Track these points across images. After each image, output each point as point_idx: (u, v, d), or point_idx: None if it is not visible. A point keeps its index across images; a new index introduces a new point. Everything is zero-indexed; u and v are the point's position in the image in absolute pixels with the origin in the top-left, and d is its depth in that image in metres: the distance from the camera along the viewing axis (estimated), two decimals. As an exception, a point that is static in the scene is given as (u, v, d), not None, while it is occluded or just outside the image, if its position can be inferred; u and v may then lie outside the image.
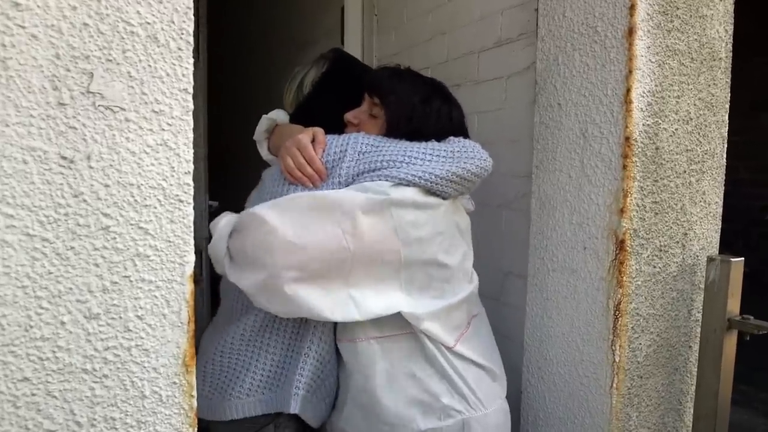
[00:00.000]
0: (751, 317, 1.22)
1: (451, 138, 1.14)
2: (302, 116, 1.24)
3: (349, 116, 1.19)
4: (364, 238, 0.98)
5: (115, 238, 0.68)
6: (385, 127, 1.14)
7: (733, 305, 1.24)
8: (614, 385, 1.20)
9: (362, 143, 1.08)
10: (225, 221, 1.05)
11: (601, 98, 1.21)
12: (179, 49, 0.71)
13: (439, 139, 1.13)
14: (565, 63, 1.29)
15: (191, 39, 0.72)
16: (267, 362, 1.07)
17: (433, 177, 1.03)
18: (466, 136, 1.20)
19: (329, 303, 0.99)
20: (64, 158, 0.65)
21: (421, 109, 1.13)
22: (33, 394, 0.66)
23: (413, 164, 1.05)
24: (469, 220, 1.20)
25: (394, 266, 1.03)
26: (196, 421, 0.76)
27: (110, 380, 0.70)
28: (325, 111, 1.23)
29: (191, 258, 0.74)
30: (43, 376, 0.66)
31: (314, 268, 0.97)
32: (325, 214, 0.98)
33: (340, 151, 1.07)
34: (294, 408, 1.05)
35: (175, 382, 0.73)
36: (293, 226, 0.96)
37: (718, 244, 1.37)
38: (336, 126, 1.22)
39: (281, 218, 0.97)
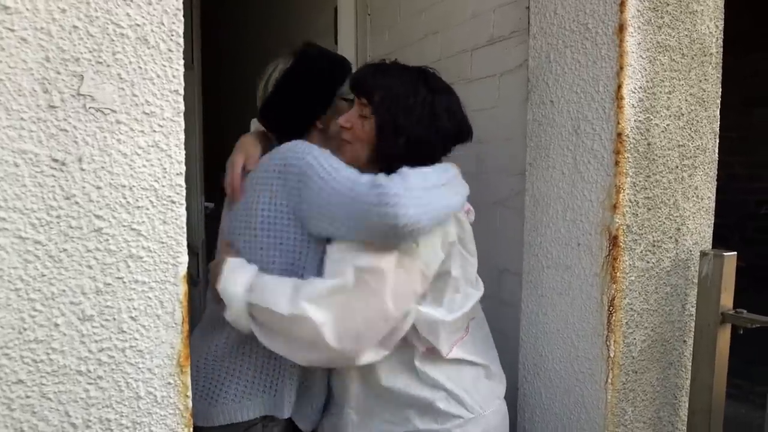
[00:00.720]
0: (744, 311, 1.23)
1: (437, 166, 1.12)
2: (266, 115, 1.23)
3: (341, 121, 1.15)
4: (398, 291, 0.98)
5: (107, 239, 0.69)
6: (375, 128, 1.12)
7: (727, 299, 1.25)
8: (609, 380, 1.21)
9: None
10: (242, 287, 0.98)
11: (593, 95, 1.21)
12: (169, 50, 0.71)
13: (435, 133, 1.11)
14: (557, 60, 1.30)
15: (181, 40, 0.72)
16: (252, 368, 1.07)
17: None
18: (463, 126, 1.18)
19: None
20: (56, 161, 0.65)
21: (410, 101, 1.10)
22: (27, 397, 0.66)
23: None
24: (467, 229, 1.19)
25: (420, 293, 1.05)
26: (191, 421, 0.76)
27: (105, 381, 0.70)
28: (288, 110, 1.21)
29: (184, 259, 0.74)
30: (38, 378, 0.66)
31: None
32: (363, 295, 0.96)
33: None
34: (287, 413, 1.06)
35: (169, 383, 0.74)
36: (337, 322, 0.93)
37: (711, 238, 1.38)
38: (300, 126, 1.21)
39: (324, 315, 0.93)
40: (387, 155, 1.10)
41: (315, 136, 1.23)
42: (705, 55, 1.31)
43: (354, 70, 1.27)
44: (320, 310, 0.93)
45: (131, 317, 0.71)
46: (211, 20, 3.01)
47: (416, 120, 1.09)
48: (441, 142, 1.14)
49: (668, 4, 1.22)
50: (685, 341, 1.34)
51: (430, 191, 0.99)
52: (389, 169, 1.03)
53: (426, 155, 1.10)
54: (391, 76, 1.13)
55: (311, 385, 1.13)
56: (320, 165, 1.00)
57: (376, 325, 0.96)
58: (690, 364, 1.32)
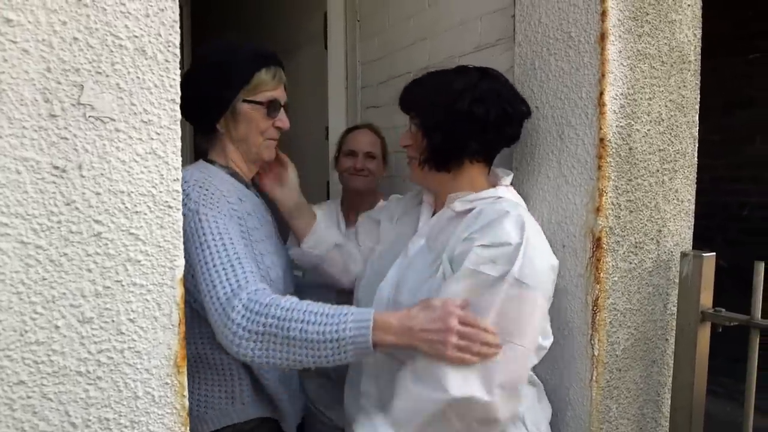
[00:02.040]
0: (723, 309, 1.27)
1: None
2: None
3: (401, 142, 1.20)
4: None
5: (106, 244, 0.71)
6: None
7: (706, 298, 1.29)
8: (594, 378, 1.24)
9: None
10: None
11: (576, 101, 1.25)
12: (166, 60, 0.74)
13: (477, 121, 1.12)
14: (542, 67, 1.34)
15: (178, 51, 0.75)
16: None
17: None
18: (510, 106, 1.16)
19: None
20: (56, 168, 0.67)
21: (444, 99, 1.12)
22: (29, 397, 0.68)
23: None
24: None
25: None
26: (188, 420, 0.78)
27: (104, 382, 0.72)
28: (187, 114, 1.08)
29: (181, 262, 0.76)
30: (39, 379, 0.68)
31: None
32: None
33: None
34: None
35: (167, 383, 0.76)
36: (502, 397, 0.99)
37: (691, 239, 1.42)
38: (202, 130, 1.22)
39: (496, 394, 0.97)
40: (436, 154, 1.14)
41: (223, 141, 1.21)
42: (684, 63, 1.35)
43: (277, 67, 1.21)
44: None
45: (129, 319, 0.73)
46: (201, 27, 3.03)
47: (454, 114, 1.11)
48: (492, 128, 1.13)
49: (648, 14, 1.26)
50: (667, 339, 1.38)
51: (280, 332, 0.93)
52: (457, 164, 1.15)
53: (482, 143, 1.15)
54: (425, 83, 1.18)
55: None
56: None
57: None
58: (672, 361, 1.36)
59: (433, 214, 1.21)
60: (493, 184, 1.18)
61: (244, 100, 1.17)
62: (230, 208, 1.10)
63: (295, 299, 0.98)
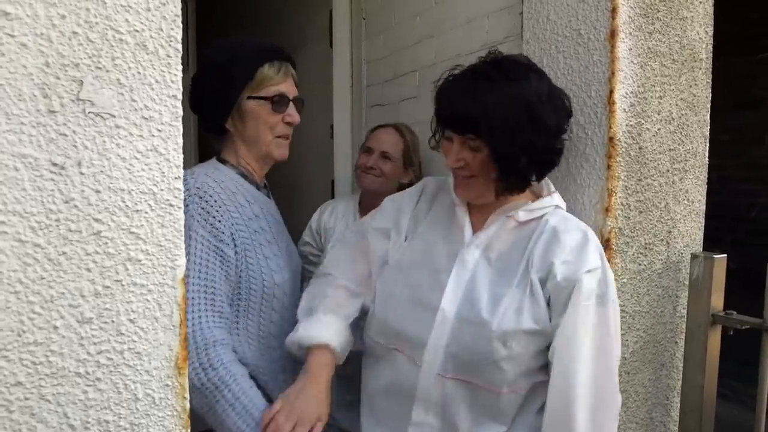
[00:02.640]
0: (734, 312, 1.25)
1: None
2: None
3: (451, 164, 1.02)
4: None
5: (106, 242, 0.69)
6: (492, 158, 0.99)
7: (717, 301, 1.27)
8: (602, 381, 1.22)
9: None
10: None
11: (585, 100, 1.23)
12: (168, 56, 0.72)
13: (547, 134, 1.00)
14: (550, 65, 1.32)
15: (179, 46, 0.73)
16: None
17: None
18: (563, 106, 1.06)
19: None
20: (55, 165, 0.66)
21: (513, 117, 0.96)
22: (26, 398, 0.66)
23: None
24: None
25: None
26: (188, 422, 0.77)
27: (103, 383, 0.70)
28: (198, 113, 1.22)
29: (182, 261, 0.75)
30: (36, 380, 0.67)
31: None
32: None
33: None
34: None
35: (167, 385, 0.74)
36: None
37: (701, 241, 1.40)
38: (211, 130, 1.21)
39: None
40: (518, 178, 1.02)
41: (235, 141, 1.20)
42: (695, 61, 1.33)
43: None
44: None
45: (129, 320, 0.71)
46: (206, 24, 3.02)
47: (537, 132, 0.98)
48: (555, 135, 1.03)
49: (659, 11, 1.24)
50: (676, 342, 1.35)
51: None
52: (523, 183, 1.03)
53: (550, 157, 1.05)
54: (486, 98, 0.96)
55: None
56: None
57: None
58: (681, 365, 1.34)
59: (470, 221, 1.09)
60: (538, 189, 1.11)
61: (249, 97, 1.16)
62: (230, 222, 1.10)
63: (240, 371, 1.06)
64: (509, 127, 0.95)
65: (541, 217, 1.04)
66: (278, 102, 1.17)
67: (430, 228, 1.13)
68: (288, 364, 1.17)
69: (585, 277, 0.95)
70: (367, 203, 1.77)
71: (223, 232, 1.08)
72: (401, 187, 1.61)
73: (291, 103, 1.20)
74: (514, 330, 0.96)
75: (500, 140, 0.96)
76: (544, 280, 0.98)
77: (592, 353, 0.94)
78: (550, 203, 1.05)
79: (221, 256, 1.07)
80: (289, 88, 1.20)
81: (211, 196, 1.09)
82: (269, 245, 1.18)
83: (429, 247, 1.10)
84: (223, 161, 1.21)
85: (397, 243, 1.14)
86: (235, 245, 1.10)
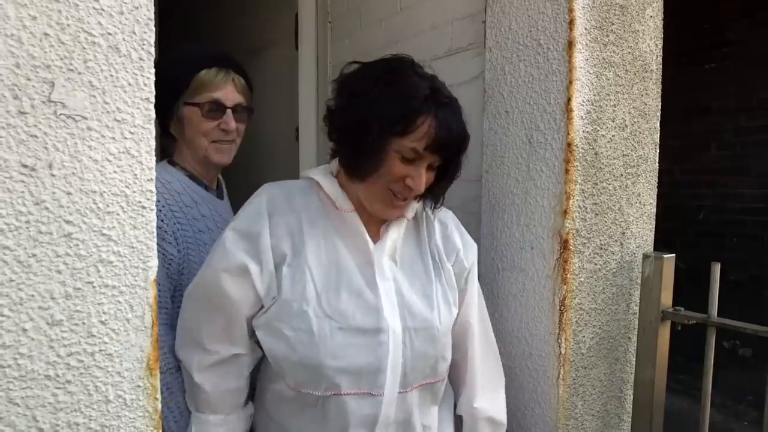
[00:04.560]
0: (682, 308, 1.32)
1: None
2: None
3: (416, 188, 0.97)
4: None
5: (77, 244, 0.69)
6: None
7: (666, 298, 1.34)
8: (561, 376, 1.28)
9: None
10: None
11: (545, 107, 1.29)
12: (141, 59, 0.73)
13: None
14: (512, 73, 1.37)
15: (152, 49, 0.74)
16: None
17: None
18: None
19: None
20: (25, 166, 0.66)
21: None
22: (-6, 402, 0.66)
23: None
24: None
25: None
26: (160, 423, 0.77)
27: (73, 386, 0.70)
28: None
29: (154, 263, 0.75)
30: (4, 383, 0.66)
31: None
32: None
33: None
34: None
35: (139, 386, 0.75)
36: None
37: (653, 241, 1.48)
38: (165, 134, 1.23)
39: None
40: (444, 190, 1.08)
41: (180, 145, 1.24)
42: (646, 72, 1.41)
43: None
44: None
45: (101, 321, 0.71)
46: (166, 25, 2.98)
47: None
48: None
49: (613, 24, 1.31)
50: (629, 338, 1.42)
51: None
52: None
53: None
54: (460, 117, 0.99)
55: None
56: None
57: None
58: (634, 359, 1.41)
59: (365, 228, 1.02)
60: None
61: (185, 103, 1.19)
62: (173, 221, 1.13)
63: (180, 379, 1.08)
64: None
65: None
66: (211, 109, 1.19)
67: (318, 246, 0.98)
68: None
69: (474, 259, 1.15)
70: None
71: (165, 231, 1.11)
72: None
73: (229, 111, 1.20)
74: (451, 320, 1.07)
75: (460, 162, 1.02)
76: (454, 265, 1.10)
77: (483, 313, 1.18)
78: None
79: (162, 254, 1.09)
80: (227, 95, 1.20)
81: (160, 196, 1.12)
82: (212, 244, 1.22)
83: (332, 268, 0.98)
84: (173, 163, 1.25)
85: (266, 276, 0.96)
86: (177, 243, 1.13)
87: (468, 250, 1.13)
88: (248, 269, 0.95)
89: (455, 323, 1.10)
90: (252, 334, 1.02)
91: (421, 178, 0.96)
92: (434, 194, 1.05)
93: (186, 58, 1.21)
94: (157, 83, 1.13)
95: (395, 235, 1.04)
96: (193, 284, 1.02)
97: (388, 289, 0.99)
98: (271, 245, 0.96)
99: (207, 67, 1.19)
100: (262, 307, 0.98)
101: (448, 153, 0.97)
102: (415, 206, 1.08)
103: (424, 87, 0.95)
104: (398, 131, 0.93)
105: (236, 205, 1.35)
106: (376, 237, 1.03)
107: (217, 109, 1.19)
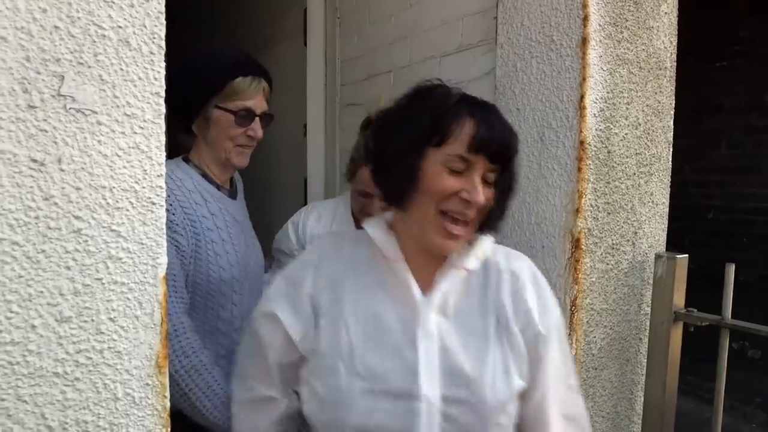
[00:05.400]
0: (695, 310, 1.31)
1: None
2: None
3: (477, 201, 0.84)
4: None
5: (86, 240, 0.68)
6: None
7: (679, 299, 1.32)
8: (571, 376, 1.26)
9: None
10: None
11: (557, 104, 1.27)
12: (151, 53, 0.72)
13: None
14: (524, 70, 1.35)
15: (163, 43, 0.73)
16: None
17: None
18: None
19: None
20: (35, 161, 0.65)
21: None
22: (2, 399, 0.65)
23: None
24: None
25: None
26: (168, 421, 0.76)
27: (82, 383, 0.70)
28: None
29: (164, 260, 0.74)
30: (13, 380, 0.66)
31: None
32: None
33: None
34: None
35: (148, 384, 0.74)
36: None
37: (665, 241, 1.46)
38: (181, 128, 1.21)
39: None
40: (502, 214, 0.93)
41: (199, 143, 1.24)
42: (660, 69, 1.38)
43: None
44: None
45: (110, 318, 0.71)
46: (175, 20, 2.97)
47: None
48: None
49: (627, 20, 1.29)
50: (641, 339, 1.41)
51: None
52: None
53: None
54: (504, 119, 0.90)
55: None
56: None
57: None
58: (645, 360, 1.39)
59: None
60: None
61: (216, 106, 1.20)
62: (183, 216, 1.13)
63: (209, 357, 1.10)
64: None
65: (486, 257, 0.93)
66: (243, 116, 1.20)
67: (358, 298, 0.90)
68: (224, 363, 1.19)
69: (556, 323, 0.93)
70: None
71: (177, 224, 1.12)
72: None
73: (257, 119, 1.23)
74: (510, 394, 0.86)
75: (515, 170, 0.90)
76: (524, 329, 0.90)
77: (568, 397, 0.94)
78: (486, 240, 0.93)
79: (176, 246, 1.11)
80: (257, 104, 1.22)
81: (170, 191, 1.12)
82: (222, 243, 1.21)
83: (371, 322, 0.89)
84: (187, 160, 1.26)
85: (301, 324, 0.91)
86: (188, 238, 1.14)
87: (545, 313, 0.91)
88: (279, 316, 0.91)
89: (526, 402, 0.90)
90: (291, 381, 0.95)
91: (477, 186, 0.84)
92: (494, 215, 0.90)
93: (223, 61, 1.20)
94: (188, 79, 1.15)
95: (448, 286, 0.89)
96: (249, 318, 1.02)
97: (430, 349, 0.85)
98: (310, 294, 0.91)
99: (243, 75, 1.20)
100: (303, 357, 0.92)
101: (496, 153, 0.85)
102: (479, 254, 0.91)
103: (453, 95, 0.87)
104: (436, 142, 0.84)
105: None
106: (427, 288, 0.89)
107: (247, 117, 1.21)
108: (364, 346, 0.87)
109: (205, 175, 1.24)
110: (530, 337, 0.90)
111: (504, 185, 0.89)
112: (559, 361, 0.91)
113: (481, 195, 0.84)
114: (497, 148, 0.85)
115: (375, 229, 0.93)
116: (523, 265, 0.95)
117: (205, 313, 1.19)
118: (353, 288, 0.91)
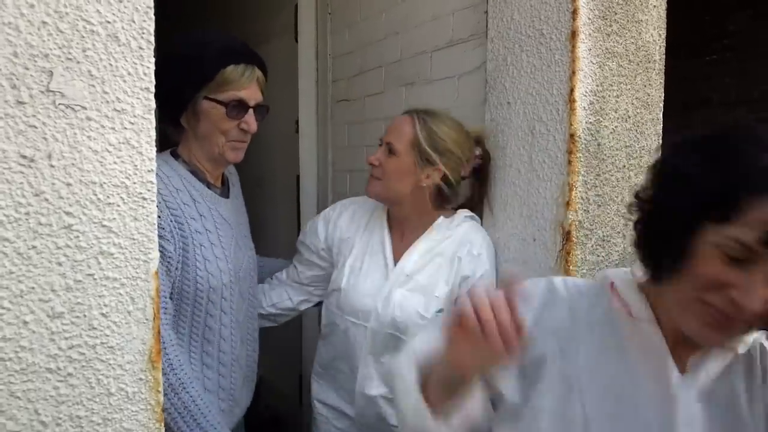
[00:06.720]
0: (685, 301, 1.31)
1: None
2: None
3: (744, 301, 0.64)
4: None
5: (78, 236, 0.68)
6: None
7: (669, 290, 1.33)
8: (563, 368, 1.27)
9: None
10: None
11: (548, 97, 1.28)
12: (140, 48, 0.72)
13: None
14: (514, 63, 1.36)
15: (152, 38, 0.73)
16: None
17: None
18: None
19: None
20: (24, 157, 0.65)
21: None
22: (-5, 395, 0.65)
23: None
24: None
25: None
26: (162, 416, 0.77)
27: (75, 378, 0.70)
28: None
29: (155, 255, 0.74)
30: (6, 376, 0.66)
31: None
32: None
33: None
34: None
35: (141, 378, 0.74)
36: None
37: (655, 233, 1.47)
38: (169, 122, 1.15)
39: None
40: None
41: (189, 138, 1.17)
42: (649, 62, 1.39)
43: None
44: None
45: (102, 314, 0.71)
46: (167, 15, 2.95)
47: None
48: None
49: (616, 13, 1.29)
50: (631, 330, 1.42)
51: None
52: None
53: None
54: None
55: None
56: None
57: None
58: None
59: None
60: None
61: (206, 98, 1.11)
62: (170, 219, 1.07)
63: (193, 373, 1.08)
64: None
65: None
66: (235, 108, 1.12)
67: (593, 358, 0.76)
68: (210, 374, 1.17)
69: None
70: (394, 215, 1.42)
71: (164, 228, 1.05)
72: (420, 193, 1.32)
73: (251, 110, 1.14)
74: None
75: None
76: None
77: None
78: None
79: (161, 252, 1.04)
80: (251, 94, 1.14)
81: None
82: (211, 247, 1.14)
83: (610, 392, 0.74)
84: (176, 155, 1.18)
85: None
86: (174, 242, 1.08)
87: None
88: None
89: None
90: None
91: (755, 291, 0.63)
92: None
93: (213, 48, 1.11)
94: (175, 68, 1.05)
95: (715, 369, 0.74)
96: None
97: None
98: (537, 336, 0.76)
99: (235, 62, 1.11)
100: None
101: None
102: (750, 334, 0.75)
103: (764, 159, 0.64)
104: (716, 216, 0.65)
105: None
106: (681, 365, 0.74)
107: (240, 109, 1.13)
108: (601, 420, 0.73)
109: (194, 172, 1.17)
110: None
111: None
112: None
113: (757, 302, 0.63)
114: None
115: (622, 280, 0.80)
116: None
117: (192, 322, 1.13)
118: (586, 343, 0.76)
